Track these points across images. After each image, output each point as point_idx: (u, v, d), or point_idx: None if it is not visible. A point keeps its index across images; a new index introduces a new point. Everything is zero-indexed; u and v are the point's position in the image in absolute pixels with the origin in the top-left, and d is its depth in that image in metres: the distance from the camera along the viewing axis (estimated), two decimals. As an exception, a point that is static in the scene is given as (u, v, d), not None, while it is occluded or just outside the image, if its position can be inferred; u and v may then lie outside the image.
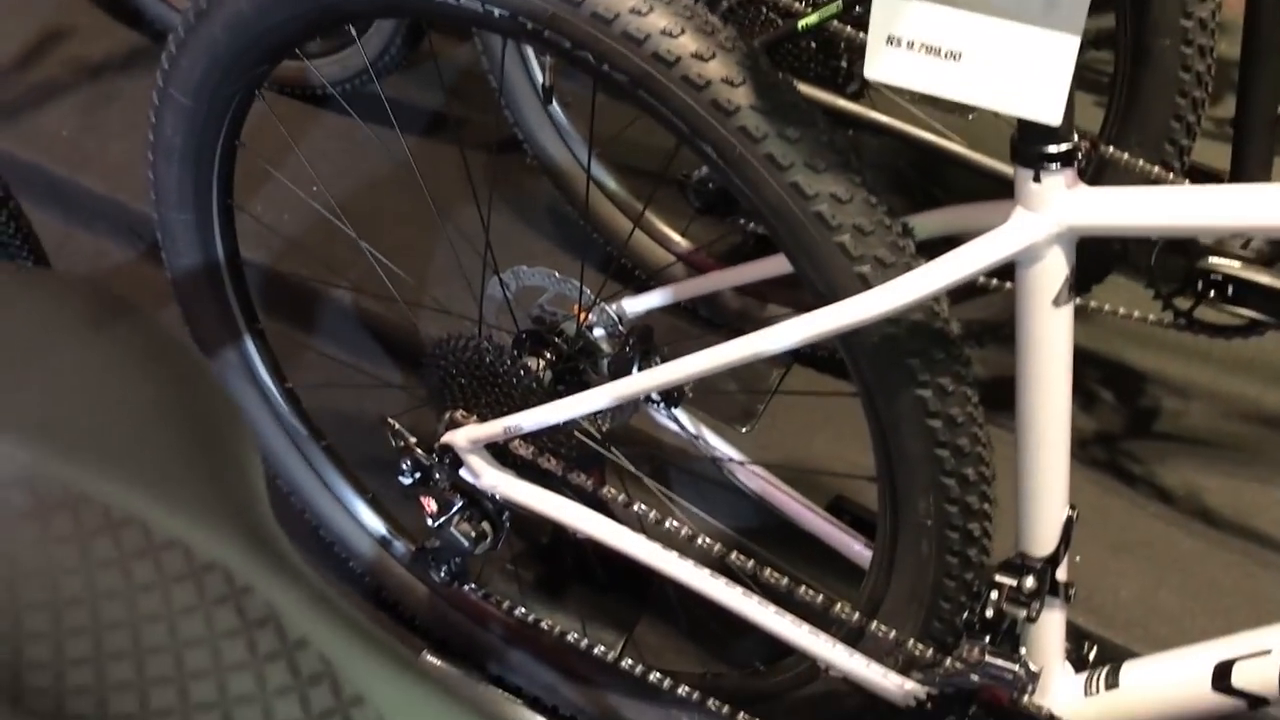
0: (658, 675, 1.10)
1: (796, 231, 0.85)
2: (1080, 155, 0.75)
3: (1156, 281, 1.22)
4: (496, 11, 0.87)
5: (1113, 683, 0.94)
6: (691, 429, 1.19)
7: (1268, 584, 1.34)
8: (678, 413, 1.18)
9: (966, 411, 0.89)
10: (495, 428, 1.04)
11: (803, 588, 0.97)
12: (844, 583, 1.15)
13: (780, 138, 0.82)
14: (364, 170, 1.81)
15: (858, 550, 1.12)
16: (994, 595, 0.90)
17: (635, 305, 1.18)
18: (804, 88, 1.20)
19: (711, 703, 1.09)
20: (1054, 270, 0.78)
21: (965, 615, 0.91)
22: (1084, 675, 0.96)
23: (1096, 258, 1.32)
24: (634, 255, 1.56)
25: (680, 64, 0.82)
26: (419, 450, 1.10)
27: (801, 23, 1.12)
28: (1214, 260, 1.17)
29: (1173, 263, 1.21)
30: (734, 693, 1.15)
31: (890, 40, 0.74)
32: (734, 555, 1.00)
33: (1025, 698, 0.92)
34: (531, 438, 1.07)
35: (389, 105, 1.47)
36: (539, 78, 1.47)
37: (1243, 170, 1.16)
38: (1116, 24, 1.17)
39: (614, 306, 1.16)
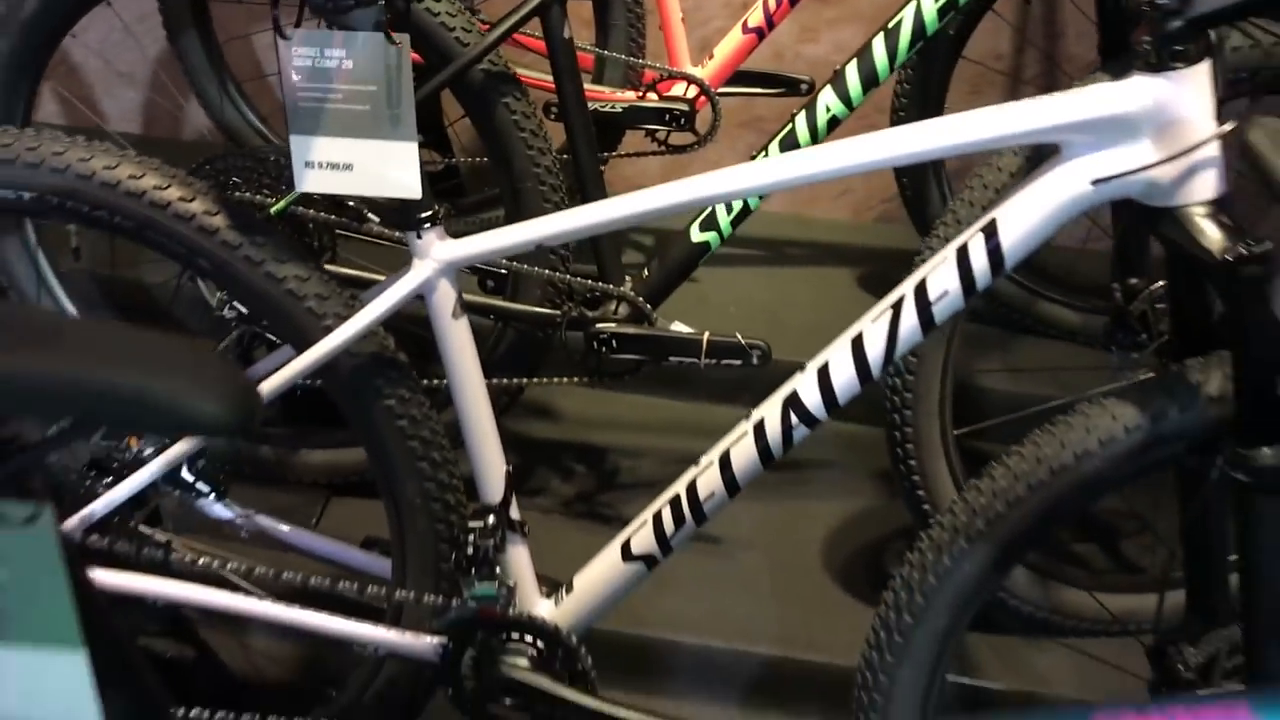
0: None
1: (275, 308, 1.23)
2: (440, 216, 1.20)
3: (569, 353, 1.71)
4: (25, 195, 1.21)
5: (570, 589, 1.34)
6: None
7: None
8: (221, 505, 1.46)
9: (423, 412, 1.29)
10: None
11: (341, 583, 1.30)
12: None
13: (251, 244, 1.21)
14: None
15: (385, 564, 1.45)
16: (469, 537, 1.27)
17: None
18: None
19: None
20: (446, 294, 1.22)
21: (454, 557, 1.28)
22: (554, 594, 1.35)
23: (529, 350, 1.80)
24: None
25: (170, 207, 1.20)
26: None
27: (273, 208, 1.53)
28: (600, 326, 1.69)
29: (574, 337, 1.71)
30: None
31: (307, 164, 1.16)
32: (285, 575, 1.31)
33: (511, 609, 1.30)
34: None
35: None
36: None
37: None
38: (498, 182, 1.69)
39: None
